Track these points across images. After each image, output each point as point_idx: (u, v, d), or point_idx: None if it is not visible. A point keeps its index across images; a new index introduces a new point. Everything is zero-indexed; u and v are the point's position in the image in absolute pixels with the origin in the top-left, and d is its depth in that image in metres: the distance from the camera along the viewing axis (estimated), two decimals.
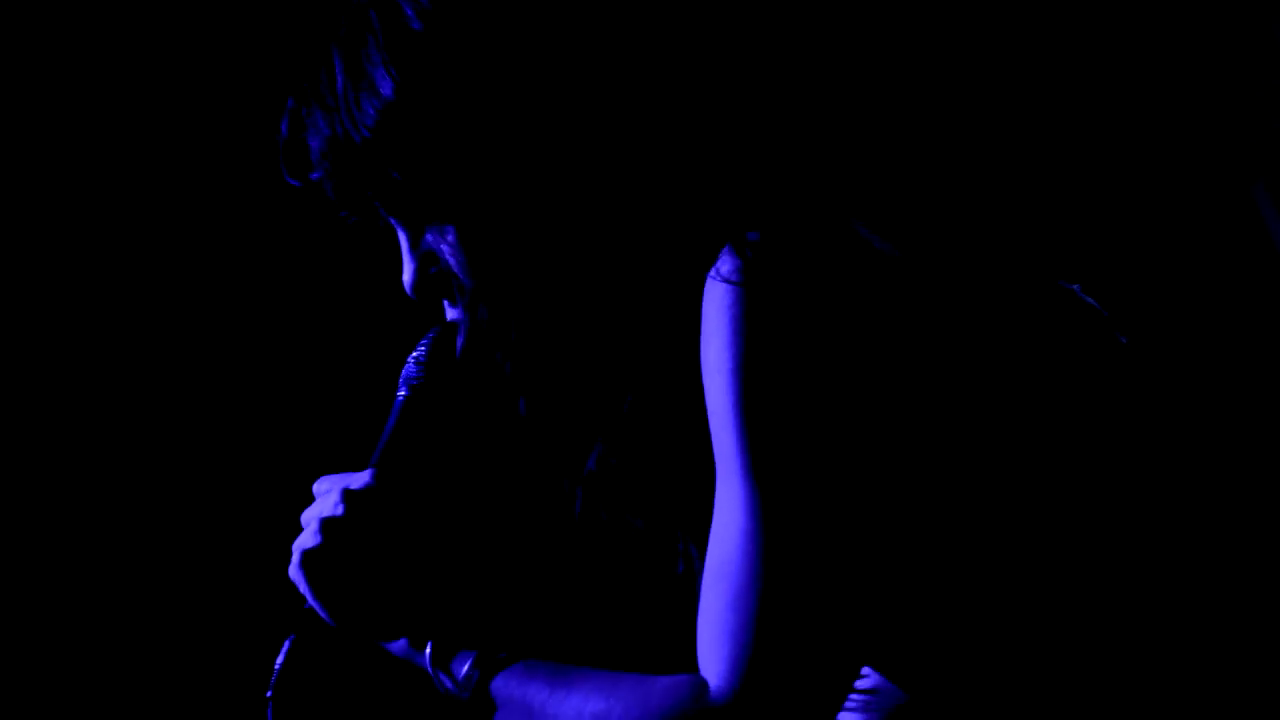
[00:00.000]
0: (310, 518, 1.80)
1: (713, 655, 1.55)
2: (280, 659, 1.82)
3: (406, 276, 1.75)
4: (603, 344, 1.69)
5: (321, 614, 1.80)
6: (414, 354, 1.84)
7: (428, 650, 1.77)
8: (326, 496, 1.80)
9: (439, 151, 1.63)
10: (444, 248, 1.70)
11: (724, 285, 1.57)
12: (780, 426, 1.54)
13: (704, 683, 1.55)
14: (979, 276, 1.65)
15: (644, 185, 1.65)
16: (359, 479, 1.80)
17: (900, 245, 1.62)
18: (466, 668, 1.73)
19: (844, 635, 1.55)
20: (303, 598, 1.82)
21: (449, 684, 1.76)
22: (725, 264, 1.57)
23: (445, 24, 1.63)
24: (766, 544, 1.53)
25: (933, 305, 1.60)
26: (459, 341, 1.79)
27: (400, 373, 1.86)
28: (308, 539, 1.78)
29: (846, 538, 1.54)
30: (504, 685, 1.71)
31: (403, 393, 1.84)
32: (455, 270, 1.70)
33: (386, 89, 1.63)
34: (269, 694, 1.81)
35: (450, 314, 1.79)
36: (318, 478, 1.84)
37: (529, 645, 1.74)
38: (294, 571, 1.79)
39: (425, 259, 1.74)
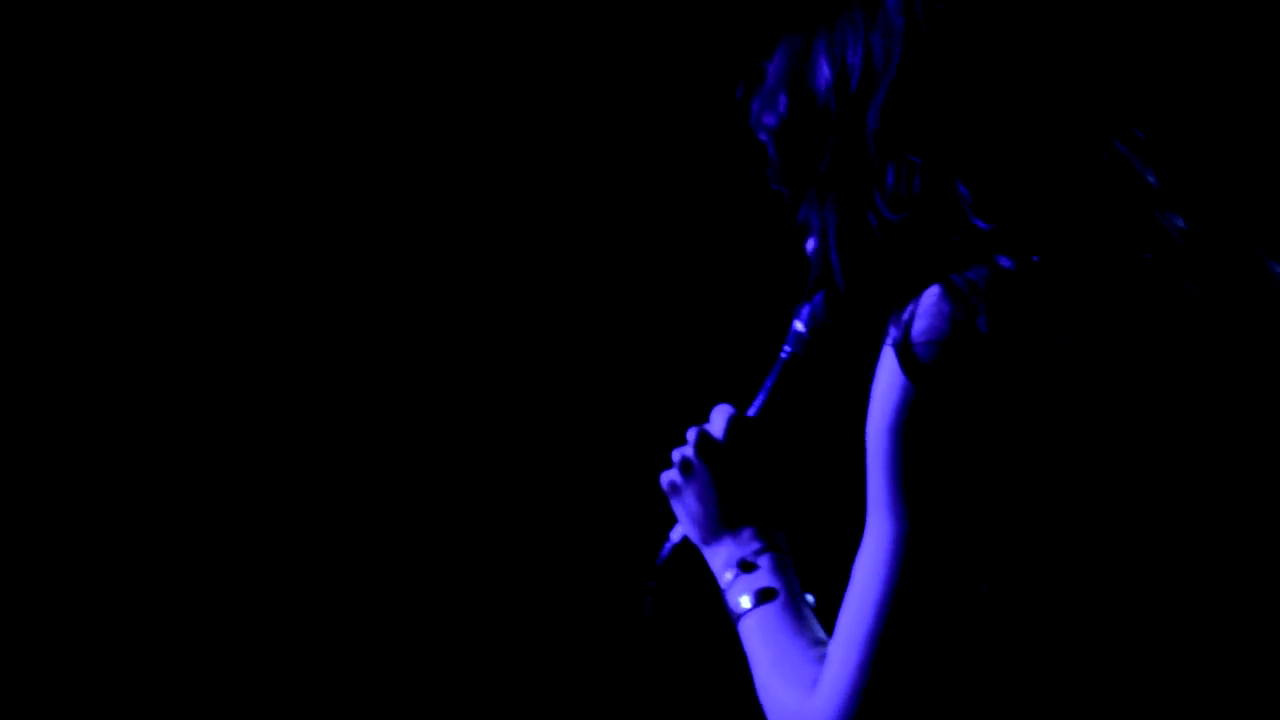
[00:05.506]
0: (693, 432, 2.13)
1: (830, 662, 1.83)
2: (662, 556, 2.17)
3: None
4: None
5: (678, 507, 2.12)
6: (802, 315, 2.12)
7: (734, 571, 2.06)
8: (717, 418, 2.13)
9: (808, 166, 1.95)
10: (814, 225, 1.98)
11: (891, 353, 1.79)
12: (921, 489, 1.80)
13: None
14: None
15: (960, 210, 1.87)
16: (736, 415, 2.13)
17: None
18: (748, 599, 2.03)
19: (936, 674, 1.80)
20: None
21: (732, 606, 2.04)
22: (893, 333, 1.79)
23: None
24: (899, 585, 1.80)
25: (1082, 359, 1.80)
26: (814, 312, 2.10)
27: (789, 329, 2.14)
28: (688, 451, 2.12)
29: (966, 588, 1.80)
30: (748, 623, 2.02)
31: (788, 350, 2.13)
32: (813, 246, 1.98)
33: (782, 106, 1.97)
34: (650, 584, 2.17)
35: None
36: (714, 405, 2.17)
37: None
38: (667, 475, 2.12)
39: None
